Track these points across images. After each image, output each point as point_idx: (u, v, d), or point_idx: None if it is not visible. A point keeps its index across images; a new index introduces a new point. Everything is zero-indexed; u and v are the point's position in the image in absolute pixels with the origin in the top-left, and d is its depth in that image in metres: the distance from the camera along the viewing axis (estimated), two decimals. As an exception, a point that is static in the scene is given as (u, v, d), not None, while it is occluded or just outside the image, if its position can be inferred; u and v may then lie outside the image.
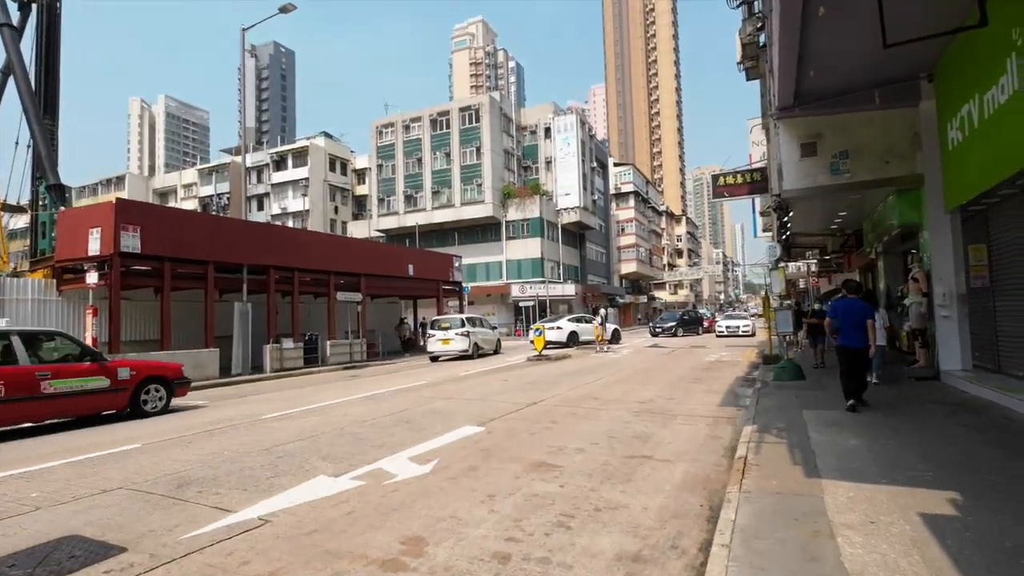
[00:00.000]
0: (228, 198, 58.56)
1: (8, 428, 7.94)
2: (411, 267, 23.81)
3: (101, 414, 9.01)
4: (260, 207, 56.19)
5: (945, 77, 8.74)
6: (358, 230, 50.69)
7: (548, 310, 45.45)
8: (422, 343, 24.07)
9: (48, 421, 8.58)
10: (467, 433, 6.99)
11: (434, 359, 19.59)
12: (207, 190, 59.83)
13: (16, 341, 7.80)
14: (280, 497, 4.59)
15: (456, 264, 27.49)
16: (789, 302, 28.99)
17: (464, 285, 32.06)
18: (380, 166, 49.46)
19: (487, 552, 3.43)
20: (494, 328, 23.57)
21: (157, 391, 9.45)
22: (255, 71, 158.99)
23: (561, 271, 48.07)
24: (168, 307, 14.73)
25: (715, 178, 20.33)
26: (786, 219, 11.97)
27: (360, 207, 58.93)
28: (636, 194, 67.05)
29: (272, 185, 55.62)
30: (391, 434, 7.08)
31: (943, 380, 9.21)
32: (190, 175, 63.85)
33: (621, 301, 63.67)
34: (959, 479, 4.25)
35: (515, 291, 42.98)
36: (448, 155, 46.31)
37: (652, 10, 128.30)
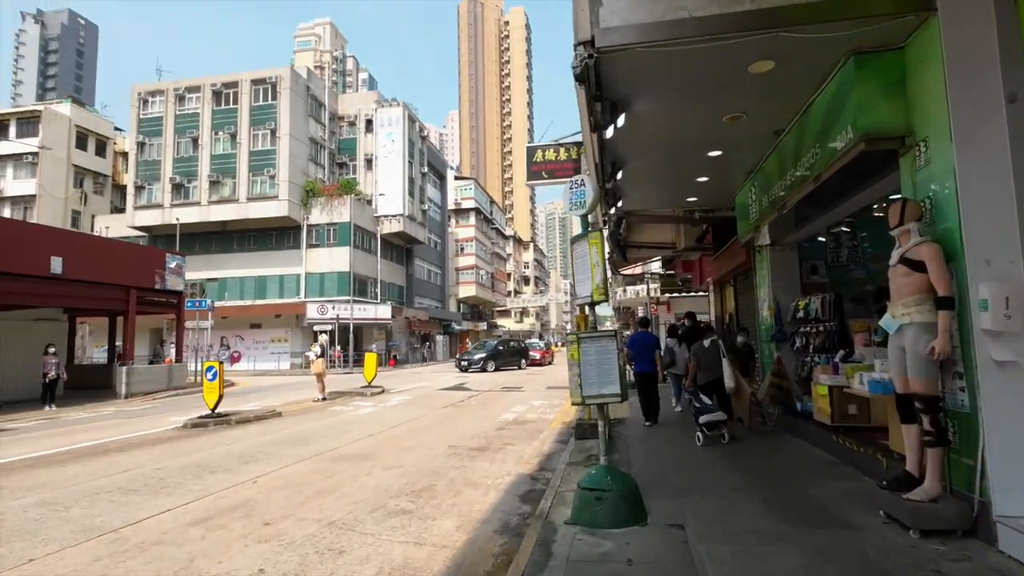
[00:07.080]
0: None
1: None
2: (57, 261, 14.48)
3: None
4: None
5: None
6: (112, 227, 37.95)
7: (360, 337, 37.10)
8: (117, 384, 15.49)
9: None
10: None
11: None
12: None
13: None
14: None
15: (172, 264, 18.40)
16: (624, 327, 23.67)
17: (203, 300, 22.79)
18: (142, 144, 37.66)
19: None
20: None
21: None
22: (39, 40, 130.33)
23: (379, 290, 39.97)
24: None
25: (531, 152, 14.31)
26: (612, 131, 5.58)
27: (126, 198, 45.52)
28: (477, 211, 61.44)
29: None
30: None
31: (1001, 545, 3.18)
32: None
33: (457, 328, 56.98)
34: None
35: (311, 312, 33.94)
36: (234, 136, 36.29)
37: (507, 37, 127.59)
